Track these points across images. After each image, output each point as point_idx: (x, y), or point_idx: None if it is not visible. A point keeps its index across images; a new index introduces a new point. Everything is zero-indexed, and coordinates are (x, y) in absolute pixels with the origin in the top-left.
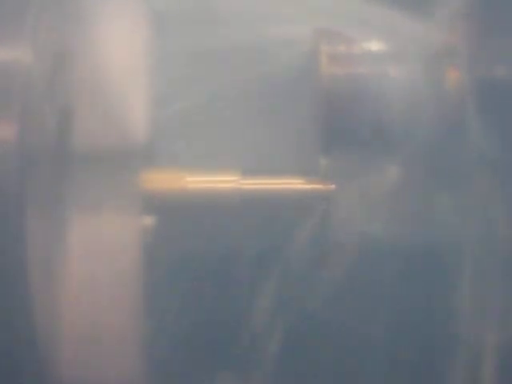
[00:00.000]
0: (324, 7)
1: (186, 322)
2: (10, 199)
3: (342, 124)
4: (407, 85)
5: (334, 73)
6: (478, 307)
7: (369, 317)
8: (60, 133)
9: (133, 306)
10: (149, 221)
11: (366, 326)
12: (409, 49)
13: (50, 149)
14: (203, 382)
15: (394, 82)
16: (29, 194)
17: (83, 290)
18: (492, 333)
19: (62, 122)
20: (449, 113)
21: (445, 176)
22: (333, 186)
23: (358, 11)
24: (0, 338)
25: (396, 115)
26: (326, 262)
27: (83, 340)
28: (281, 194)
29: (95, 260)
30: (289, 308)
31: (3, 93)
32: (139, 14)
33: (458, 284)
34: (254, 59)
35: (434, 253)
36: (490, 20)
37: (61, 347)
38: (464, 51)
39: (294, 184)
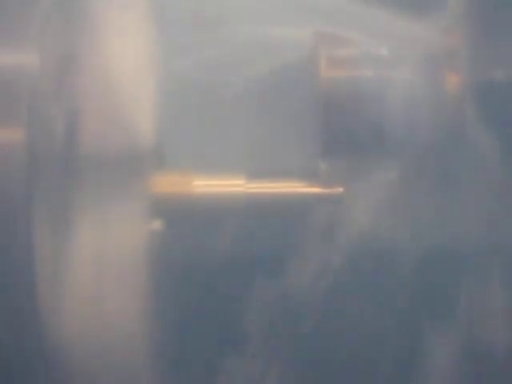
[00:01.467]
0: (323, 10)
1: (192, 325)
2: (17, 202)
3: (342, 127)
4: (406, 87)
5: (334, 76)
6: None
7: (371, 317)
8: (67, 136)
9: (140, 309)
10: (156, 224)
11: (370, 328)
12: (408, 51)
13: (57, 152)
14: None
15: (393, 85)
16: (36, 196)
17: (91, 294)
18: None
19: (69, 125)
20: (448, 115)
21: (444, 178)
22: (340, 190)
23: (356, 14)
24: (3, 341)
25: (395, 118)
26: (332, 263)
27: (92, 343)
28: (286, 198)
29: (103, 263)
30: (294, 309)
31: (10, 95)
32: (144, 16)
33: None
34: (254, 62)
35: (430, 256)
36: (488, 22)
37: (70, 351)
38: (463, 53)
39: (299, 188)
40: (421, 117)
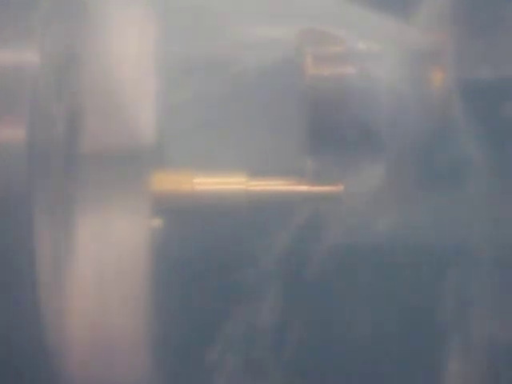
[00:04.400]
0: (309, 8)
1: (193, 323)
2: (19, 199)
3: (329, 125)
4: (393, 85)
5: (320, 73)
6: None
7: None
8: (68, 134)
9: (140, 307)
10: (157, 222)
11: (366, 324)
12: (394, 49)
13: (58, 150)
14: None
15: (380, 82)
16: (37, 194)
17: (91, 291)
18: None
19: (70, 123)
20: (434, 113)
21: (430, 176)
22: (341, 188)
23: (343, 12)
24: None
25: (383, 115)
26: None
27: (92, 342)
28: (286, 196)
29: (103, 261)
30: (295, 307)
31: (12, 94)
32: (146, 15)
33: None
34: (242, 60)
35: (410, 254)
36: (472, 20)
37: (70, 348)
38: (448, 51)
39: (285, 186)
40: (407, 114)
